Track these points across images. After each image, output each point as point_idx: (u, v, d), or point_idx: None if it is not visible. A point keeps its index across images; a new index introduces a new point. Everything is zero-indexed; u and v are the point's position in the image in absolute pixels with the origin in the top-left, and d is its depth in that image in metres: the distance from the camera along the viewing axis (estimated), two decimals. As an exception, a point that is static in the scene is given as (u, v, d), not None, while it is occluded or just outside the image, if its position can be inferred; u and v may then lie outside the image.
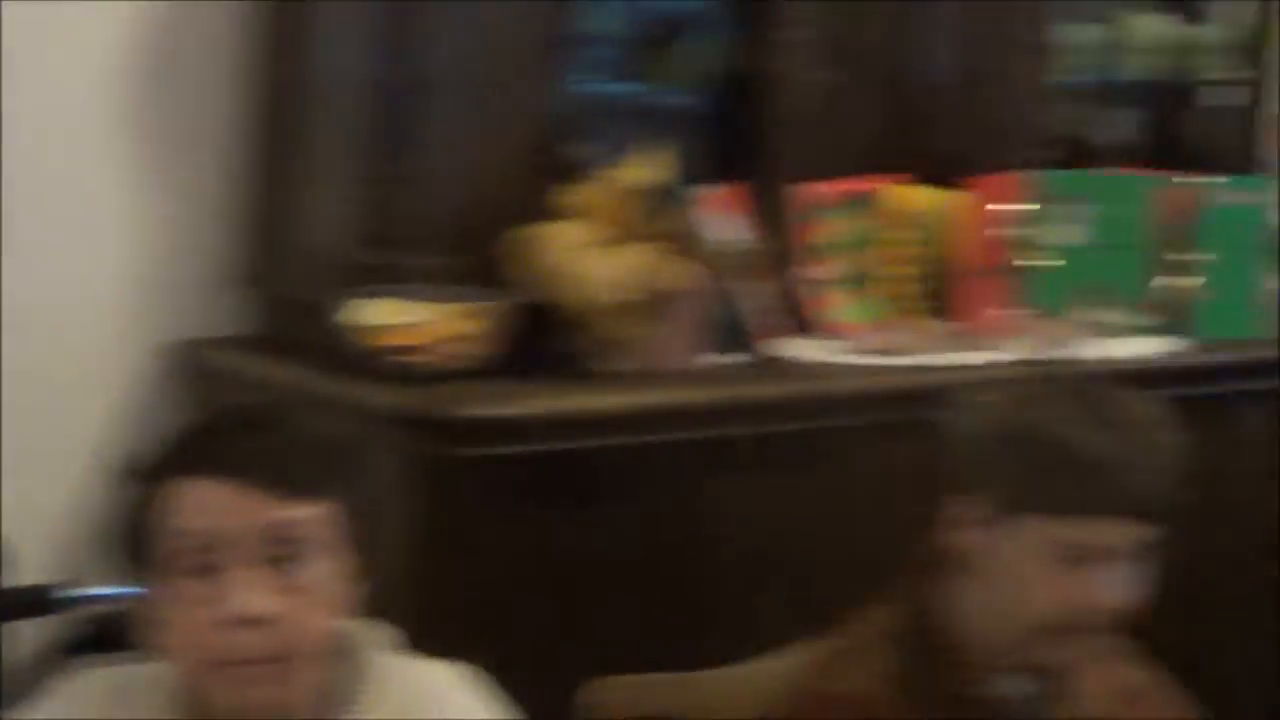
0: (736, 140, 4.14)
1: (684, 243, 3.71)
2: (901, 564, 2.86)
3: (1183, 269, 4.28)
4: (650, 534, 3.61)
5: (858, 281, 4.09)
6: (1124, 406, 2.73)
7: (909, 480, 3.66)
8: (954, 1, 4.31)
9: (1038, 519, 2.63)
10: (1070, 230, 4.23)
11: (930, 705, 2.69)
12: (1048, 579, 2.65)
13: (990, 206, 4.18)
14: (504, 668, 2.41)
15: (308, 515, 2.02)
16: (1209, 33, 4.67)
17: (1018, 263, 4.19)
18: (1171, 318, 4.24)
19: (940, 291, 4.17)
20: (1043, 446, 2.67)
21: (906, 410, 3.76)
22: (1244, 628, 4.13)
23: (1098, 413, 2.69)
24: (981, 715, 2.73)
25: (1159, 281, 4.29)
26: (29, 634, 3.43)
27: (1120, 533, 2.65)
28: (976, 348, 3.99)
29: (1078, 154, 4.53)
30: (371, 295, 3.42)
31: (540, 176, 3.75)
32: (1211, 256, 4.25)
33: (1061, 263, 4.24)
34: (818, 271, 4.03)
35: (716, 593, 3.63)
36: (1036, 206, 4.22)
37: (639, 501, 3.60)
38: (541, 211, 3.68)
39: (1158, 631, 2.81)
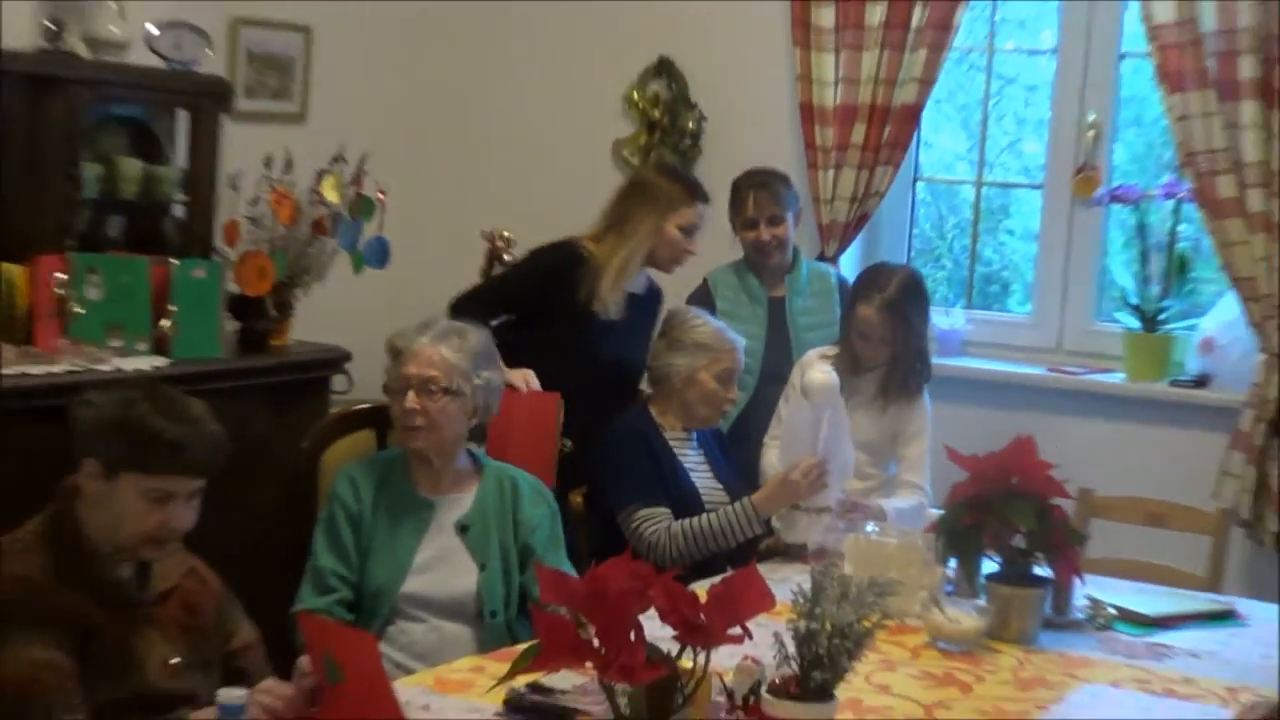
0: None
1: None
2: (48, 498, 3.16)
3: (166, 315, 4.70)
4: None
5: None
6: (185, 403, 3.15)
7: (28, 447, 4.01)
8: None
9: (131, 475, 3.05)
10: (94, 290, 4.61)
11: (73, 582, 3.02)
12: (141, 512, 3.05)
13: (46, 274, 4.51)
14: None
15: None
16: (171, 171, 4.98)
17: (67, 309, 4.54)
18: (159, 345, 4.72)
19: (19, 323, 4.48)
20: (129, 427, 3.06)
21: (15, 401, 4.15)
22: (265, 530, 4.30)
23: (165, 407, 3.10)
24: (106, 588, 3.08)
25: (157, 322, 4.69)
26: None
27: (184, 483, 3.09)
28: (43, 363, 4.37)
29: (96, 242, 4.82)
30: None
31: None
32: (181, 307, 4.71)
33: (83, 311, 4.58)
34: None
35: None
36: (72, 274, 4.55)
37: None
38: None
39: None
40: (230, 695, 2.42)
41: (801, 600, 2.84)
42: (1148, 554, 4.78)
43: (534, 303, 4.76)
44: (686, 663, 2.52)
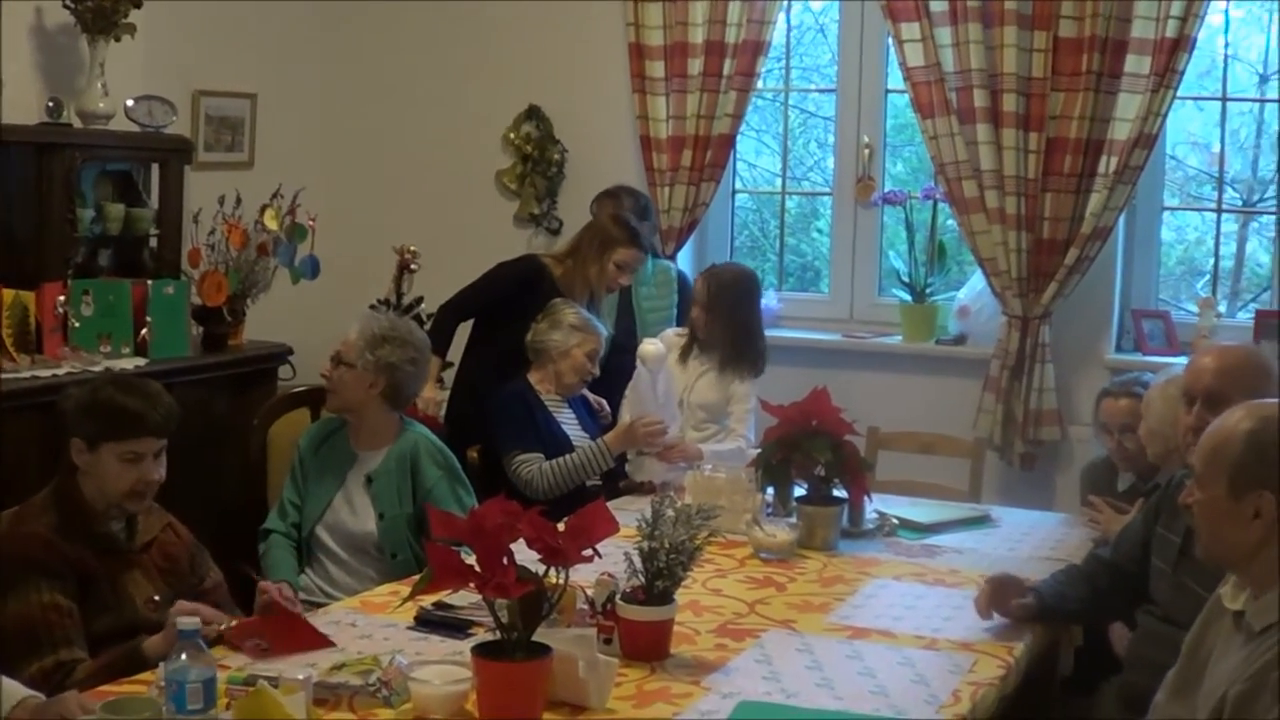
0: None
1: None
2: (56, 469, 3.12)
3: (144, 324, 4.56)
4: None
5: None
6: (141, 381, 3.12)
7: (41, 433, 4.02)
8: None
9: (107, 444, 2.97)
10: (88, 308, 4.47)
11: (75, 537, 2.97)
12: (120, 472, 2.98)
13: (51, 297, 4.42)
14: None
15: None
16: (147, 211, 4.86)
17: (68, 324, 4.47)
18: (140, 348, 4.57)
19: (31, 336, 4.34)
20: (99, 407, 3.02)
21: (30, 398, 4.12)
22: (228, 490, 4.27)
23: (125, 387, 3.08)
24: (100, 540, 3.00)
25: (138, 330, 4.52)
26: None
27: (150, 444, 3.02)
28: (50, 367, 4.31)
29: (89, 270, 4.73)
30: None
31: None
32: (156, 318, 4.59)
33: (80, 324, 4.49)
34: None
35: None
36: (71, 296, 4.47)
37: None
38: None
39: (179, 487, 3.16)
40: (185, 621, 2.40)
41: (644, 525, 2.86)
42: (922, 475, 4.81)
43: (501, 305, 4.63)
44: (554, 579, 2.49)
